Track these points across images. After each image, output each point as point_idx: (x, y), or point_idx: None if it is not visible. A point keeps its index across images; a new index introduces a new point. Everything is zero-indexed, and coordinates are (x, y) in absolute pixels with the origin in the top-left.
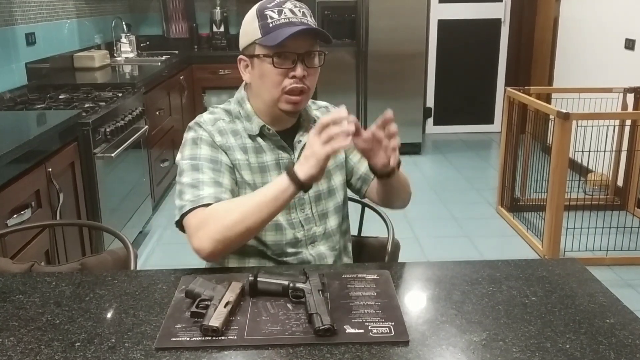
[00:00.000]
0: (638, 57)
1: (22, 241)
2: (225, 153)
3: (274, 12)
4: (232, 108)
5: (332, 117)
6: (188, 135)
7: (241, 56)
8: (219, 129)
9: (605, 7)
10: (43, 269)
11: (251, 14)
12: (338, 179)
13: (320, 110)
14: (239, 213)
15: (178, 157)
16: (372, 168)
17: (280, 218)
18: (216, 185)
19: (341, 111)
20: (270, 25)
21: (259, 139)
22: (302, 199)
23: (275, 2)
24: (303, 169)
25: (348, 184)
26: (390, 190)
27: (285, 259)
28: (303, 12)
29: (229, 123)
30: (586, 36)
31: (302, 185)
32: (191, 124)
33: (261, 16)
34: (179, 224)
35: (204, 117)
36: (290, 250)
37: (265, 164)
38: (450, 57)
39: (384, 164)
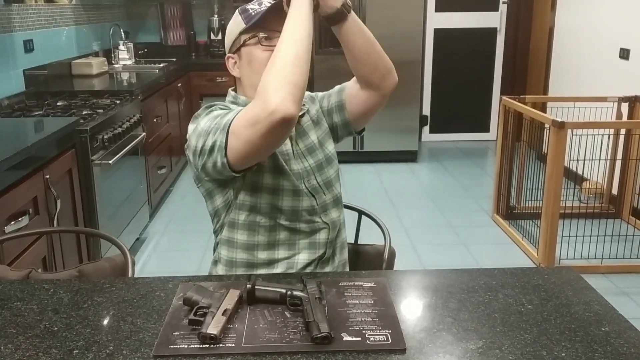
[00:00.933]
0: (632, 66)
1: (20, 248)
2: None
3: (255, 5)
4: (230, 100)
5: None
6: (199, 117)
7: (229, 55)
8: (231, 103)
9: (600, 17)
10: (40, 276)
11: (234, 15)
12: (330, 146)
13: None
14: (279, 57)
15: (193, 139)
16: (326, 17)
17: (299, 185)
18: None
19: None
20: (252, 13)
21: None
22: (306, 170)
23: (255, 0)
24: None
25: (334, 126)
26: (359, 42)
27: (299, 225)
28: (281, 1)
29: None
30: (581, 45)
31: None
32: (199, 111)
33: (243, 12)
34: (226, 150)
35: (217, 104)
36: (305, 216)
37: None
38: (446, 66)
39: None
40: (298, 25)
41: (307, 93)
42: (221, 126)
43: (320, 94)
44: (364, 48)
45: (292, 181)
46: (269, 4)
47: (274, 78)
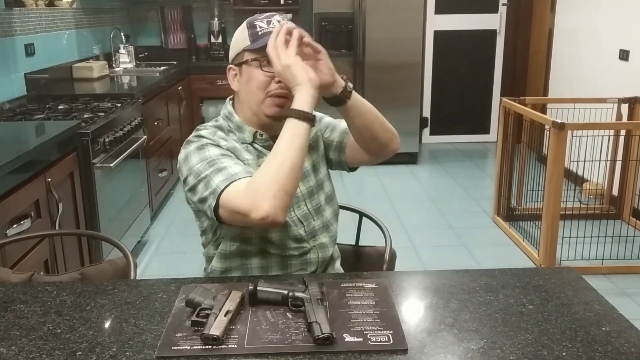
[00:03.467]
0: (632, 67)
1: (22, 251)
2: (235, 154)
3: (263, 23)
4: (221, 124)
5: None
6: (190, 147)
7: (230, 65)
8: (218, 139)
9: (600, 18)
10: (43, 278)
11: (241, 26)
12: (323, 171)
13: None
14: (276, 161)
15: (184, 170)
16: (327, 99)
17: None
18: (237, 165)
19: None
20: (259, 33)
21: (256, 145)
22: (296, 197)
23: (265, 15)
24: (300, 95)
25: (329, 162)
26: (360, 121)
27: (289, 253)
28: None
29: (224, 136)
30: (581, 47)
31: (306, 115)
32: (190, 137)
33: (251, 26)
34: (216, 210)
35: (202, 132)
36: (293, 244)
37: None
38: (446, 68)
39: (328, 81)
40: (299, 133)
41: None
42: (211, 188)
43: (326, 118)
44: (366, 124)
45: None
46: (277, 23)
47: (269, 183)
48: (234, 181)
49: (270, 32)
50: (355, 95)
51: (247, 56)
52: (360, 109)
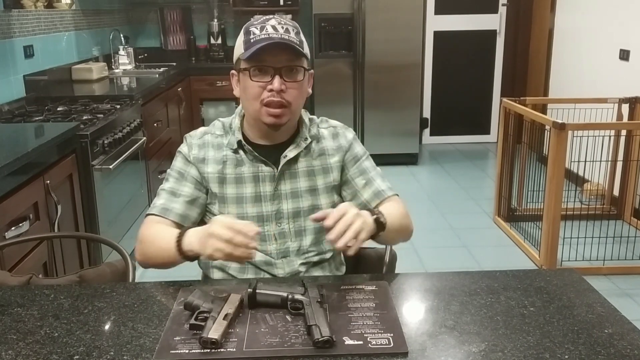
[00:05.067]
0: (633, 67)
1: (20, 253)
2: (196, 166)
3: (257, 29)
4: (227, 121)
5: (243, 228)
6: (180, 147)
7: (232, 71)
8: (202, 142)
9: (600, 18)
10: (41, 281)
11: (241, 31)
12: (325, 201)
13: (329, 130)
14: (153, 249)
15: None
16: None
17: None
18: (170, 194)
19: (252, 229)
20: (252, 40)
21: (241, 152)
22: (280, 212)
23: (262, 19)
24: (190, 240)
25: (342, 197)
26: (384, 240)
27: (256, 263)
28: (287, 28)
29: (217, 137)
30: (581, 47)
31: (182, 253)
32: (185, 135)
33: (246, 32)
34: None
35: (196, 131)
36: (259, 258)
37: (242, 175)
38: (446, 68)
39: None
40: (164, 255)
41: (336, 129)
42: (152, 204)
43: (356, 149)
44: (394, 240)
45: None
46: (271, 28)
47: (140, 251)
48: (152, 214)
49: (261, 40)
50: (388, 225)
51: (242, 65)
52: (391, 234)
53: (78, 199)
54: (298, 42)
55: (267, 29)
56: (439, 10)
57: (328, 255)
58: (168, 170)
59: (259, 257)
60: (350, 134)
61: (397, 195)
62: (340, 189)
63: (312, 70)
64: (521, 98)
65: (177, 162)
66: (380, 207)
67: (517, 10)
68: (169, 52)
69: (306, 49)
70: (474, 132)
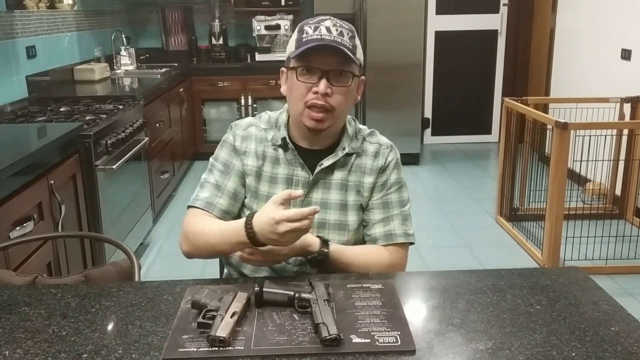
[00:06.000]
0: (634, 67)
1: (25, 253)
2: (241, 157)
3: (311, 28)
4: (275, 116)
5: (293, 214)
6: (225, 135)
7: (282, 68)
8: (246, 134)
9: (601, 18)
10: (47, 281)
11: (296, 29)
12: (352, 218)
13: (374, 146)
14: (203, 240)
15: None
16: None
17: None
18: (215, 188)
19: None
20: (303, 39)
21: (280, 151)
22: None
23: (317, 19)
24: (261, 235)
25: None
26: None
27: (273, 266)
28: (341, 31)
29: (261, 130)
30: (582, 46)
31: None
32: (231, 123)
33: (300, 31)
34: None
35: (243, 121)
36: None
37: (277, 176)
38: (447, 68)
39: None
40: (225, 246)
41: (381, 147)
42: (195, 194)
43: (391, 176)
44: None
45: None
46: (325, 30)
47: (190, 240)
48: (194, 207)
49: (313, 40)
50: (333, 254)
51: (292, 63)
52: (340, 266)
53: (82, 199)
54: (351, 47)
55: (320, 29)
56: (440, 10)
57: None
58: (211, 160)
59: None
60: (392, 156)
61: (412, 243)
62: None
63: (363, 77)
64: (523, 98)
65: (223, 153)
66: (367, 248)
67: (518, 10)
68: (170, 53)
69: (359, 54)
70: (476, 132)
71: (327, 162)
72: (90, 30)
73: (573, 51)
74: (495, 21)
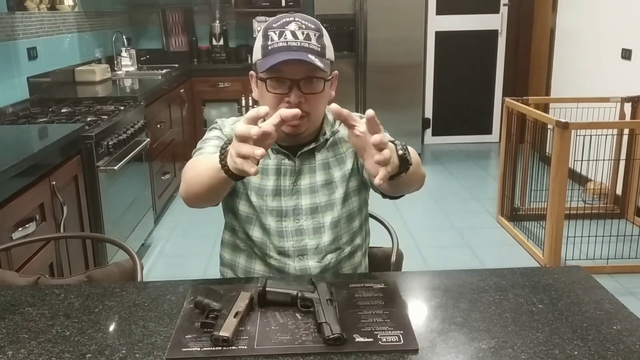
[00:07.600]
0: (635, 66)
1: (27, 254)
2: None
3: (275, 34)
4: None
5: (241, 130)
6: (210, 127)
7: (251, 71)
8: (233, 130)
9: (602, 18)
10: (49, 281)
11: (260, 32)
12: (340, 191)
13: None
14: (194, 174)
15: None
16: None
17: (271, 222)
18: (216, 149)
19: (259, 110)
20: (269, 47)
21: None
22: (298, 208)
23: (281, 22)
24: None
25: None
26: (396, 187)
27: (269, 261)
28: (307, 34)
29: None
30: (583, 46)
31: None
32: (216, 119)
33: (264, 36)
34: None
35: (227, 119)
36: (274, 255)
37: (267, 167)
38: (448, 68)
39: (373, 175)
40: (209, 177)
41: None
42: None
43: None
44: (408, 187)
45: (265, 215)
46: (290, 34)
47: (184, 180)
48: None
49: (279, 48)
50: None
51: (260, 72)
52: (400, 183)
53: (83, 200)
54: (319, 49)
55: (286, 34)
56: (440, 11)
57: (346, 250)
58: (199, 144)
59: (273, 251)
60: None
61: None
62: (357, 173)
63: (336, 72)
64: (524, 97)
65: (212, 134)
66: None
67: (518, 10)
68: (171, 54)
69: (329, 53)
70: (476, 132)
71: (307, 147)
72: (91, 32)
73: (573, 51)
74: (495, 21)
